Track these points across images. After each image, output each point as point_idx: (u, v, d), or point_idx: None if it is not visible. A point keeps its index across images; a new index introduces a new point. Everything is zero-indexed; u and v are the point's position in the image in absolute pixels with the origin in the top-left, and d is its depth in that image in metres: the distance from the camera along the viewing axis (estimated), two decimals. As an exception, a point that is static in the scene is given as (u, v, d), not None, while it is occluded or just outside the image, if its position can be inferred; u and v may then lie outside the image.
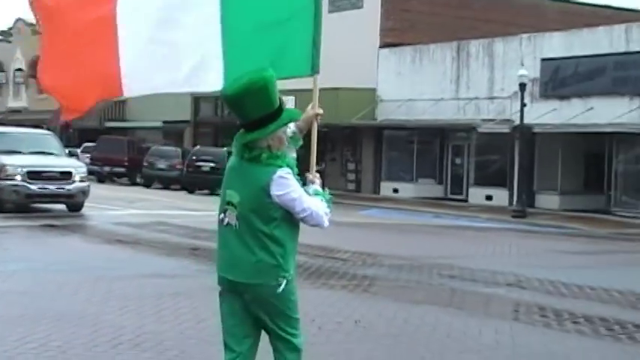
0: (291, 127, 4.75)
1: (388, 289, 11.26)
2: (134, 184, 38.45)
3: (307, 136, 5.03)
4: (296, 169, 4.56)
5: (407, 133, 36.10)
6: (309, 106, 4.98)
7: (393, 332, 8.15)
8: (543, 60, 30.73)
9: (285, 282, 4.49)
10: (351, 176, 37.97)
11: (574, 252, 17.71)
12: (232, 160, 4.61)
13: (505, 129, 31.23)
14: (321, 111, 4.97)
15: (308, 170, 4.83)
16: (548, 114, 30.00)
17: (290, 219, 4.51)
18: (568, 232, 23.93)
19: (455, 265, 13.89)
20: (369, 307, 9.63)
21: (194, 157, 35.09)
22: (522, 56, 31.11)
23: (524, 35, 31.97)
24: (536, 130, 30.17)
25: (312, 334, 7.92)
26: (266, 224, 4.44)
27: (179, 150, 38.59)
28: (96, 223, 19.14)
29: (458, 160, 35.05)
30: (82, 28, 5.16)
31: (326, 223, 4.55)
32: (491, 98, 32.72)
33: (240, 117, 4.45)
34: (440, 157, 35.69)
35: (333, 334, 7.97)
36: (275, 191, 4.41)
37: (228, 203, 4.51)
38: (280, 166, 4.44)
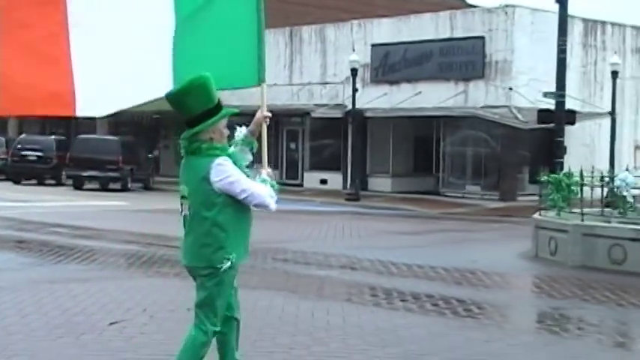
0: (243, 131, 5.43)
1: (222, 275, 11.19)
2: (-46, 175, 36.50)
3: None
4: (244, 165, 5.09)
5: (241, 119, 36.02)
6: (259, 111, 5.52)
7: (226, 318, 8.12)
8: (373, 46, 31.47)
9: (228, 263, 4.89)
10: (186, 163, 37.56)
11: (404, 232, 18.27)
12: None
13: (338, 114, 31.80)
14: (269, 114, 5.51)
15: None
16: (379, 98, 30.78)
17: (235, 205, 4.92)
18: (399, 213, 24.69)
19: (288, 248, 14.03)
20: (203, 293, 9.55)
21: (19, 146, 33.77)
22: (353, 42, 31.73)
23: (355, 21, 32.60)
24: (368, 114, 30.91)
25: (143, 323, 7.80)
26: (209, 210, 4.89)
27: (3, 139, 36.97)
28: None
29: (293, 145, 35.40)
30: (33, 40, 5.21)
31: (272, 205, 4.99)
32: (324, 83, 33.21)
33: (183, 113, 4.95)
34: (275, 142, 35.86)
35: (165, 322, 7.86)
36: (214, 177, 4.86)
37: (182, 197, 5.04)
38: (219, 155, 4.92)
